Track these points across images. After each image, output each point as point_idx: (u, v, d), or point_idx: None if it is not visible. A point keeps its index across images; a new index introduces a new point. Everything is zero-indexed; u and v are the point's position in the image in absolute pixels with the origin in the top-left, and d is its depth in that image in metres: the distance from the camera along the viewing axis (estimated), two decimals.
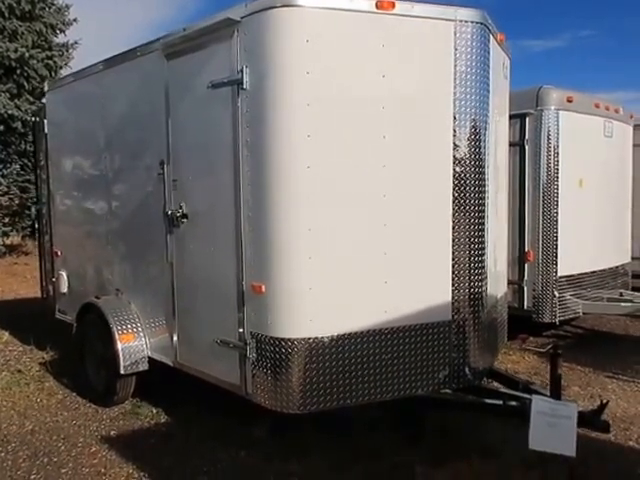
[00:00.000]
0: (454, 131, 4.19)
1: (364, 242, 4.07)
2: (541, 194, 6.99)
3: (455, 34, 4.12)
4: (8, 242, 14.68)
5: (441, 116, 4.17)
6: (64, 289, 6.56)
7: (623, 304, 7.47)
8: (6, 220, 14.49)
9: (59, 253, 6.73)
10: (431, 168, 4.19)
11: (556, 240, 7.03)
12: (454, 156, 4.20)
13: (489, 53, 4.36)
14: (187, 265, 4.78)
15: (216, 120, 4.29)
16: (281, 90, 3.87)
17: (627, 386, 6.03)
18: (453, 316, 4.31)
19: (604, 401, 4.05)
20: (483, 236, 4.40)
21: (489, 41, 4.36)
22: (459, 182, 4.23)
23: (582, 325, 8.53)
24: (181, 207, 4.69)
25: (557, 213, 7.01)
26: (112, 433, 4.94)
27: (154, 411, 5.30)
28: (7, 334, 7.89)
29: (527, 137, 6.99)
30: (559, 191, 7.00)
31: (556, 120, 6.91)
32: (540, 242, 7.06)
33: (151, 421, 5.15)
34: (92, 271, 6.12)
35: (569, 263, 7.17)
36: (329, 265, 3.99)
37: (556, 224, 7.02)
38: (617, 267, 8.13)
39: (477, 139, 4.30)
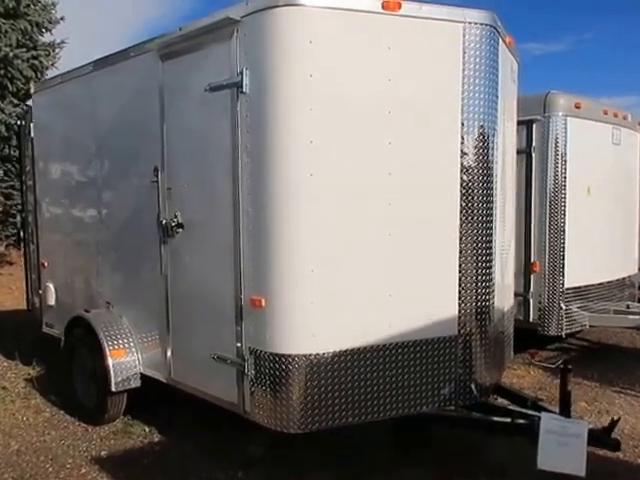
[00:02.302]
0: (462, 138, 4.01)
1: (368, 253, 3.88)
2: (548, 203, 6.80)
3: (464, 36, 3.94)
4: None
5: (448, 122, 3.99)
6: (51, 302, 6.32)
7: (630, 316, 7.26)
8: None
9: (46, 264, 6.48)
10: (438, 176, 4.01)
11: (563, 251, 6.84)
12: (462, 164, 4.02)
13: (498, 56, 4.19)
14: (182, 277, 4.57)
15: (214, 125, 4.10)
16: (282, 93, 3.68)
17: (635, 401, 5.83)
18: (459, 331, 4.12)
19: (615, 418, 3.85)
20: (491, 247, 4.22)
21: (498, 44, 4.19)
22: (467, 191, 4.04)
23: (588, 338, 8.32)
24: (176, 216, 4.49)
25: (564, 223, 6.82)
26: (103, 453, 4.71)
27: (147, 429, 5.07)
28: None
29: (534, 144, 6.80)
30: (566, 200, 6.82)
31: (564, 127, 6.73)
32: (546, 253, 6.86)
33: (144, 440, 4.93)
34: (81, 283, 5.89)
35: (576, 274, 6.97)
36: (332, 278, 3.80)
37: (563, 234, 6.83)
38: (624, 279, 7.94)
39: (485, 146, 4.12)
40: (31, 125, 6.55)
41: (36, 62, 13.86)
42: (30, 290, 7.14)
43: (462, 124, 3.99)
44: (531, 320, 6.98)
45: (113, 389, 4.93)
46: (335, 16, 3.64)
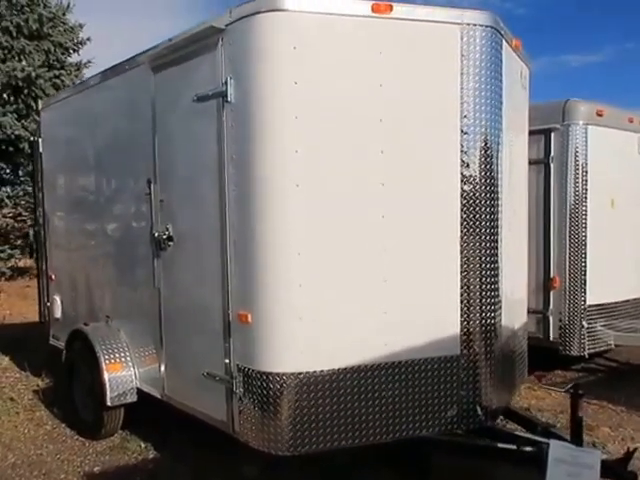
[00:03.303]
0: (462, 146, 3.79)
1: (361, 268, 3.68)
2: (568, 215, 6.49)
3: (462, 39, 3.74)
4: (21, 264, 14.57)
5: (447, 129, 3.78)
6: (58, 314, 6.30)
7: None
8: (18, 242, 14.34)
9: (53, 277, 6.48)
10: (436, 187, 3.79)
11: (584, 266, 6.51)
12: (462, 173, 3.80)
13: (501, 60, 3.97)
14: (174, 291, 4.45)
15: (201, 135, 3.99)
16: (266, 102, 3.54)
17: None
18: (462, 350, 3.88)
19: (631, 448, 3.55)
20: (496, 261, 3.97)
21: (501, 47, 3.97)
22: (468, 202, 3.82)
23: (615, 358, 7.91)
24: (167, 229, 4.38)
25: (586, 236, 6.50)
26: (96, 469, 4.60)
27: (142, 446, 4.94)
28: (7, 359, 7.66)
29: (552, 154, 6.51)
30: (588, 212, 6.50)
31: (584, 135, 6.43)
32: (567, 268, 6.53)
33: (138, 457, 4.80)
34: (84, 296, 5.84)
35: (599, 291, 6.63)
36: (322, 293, 3.61)
37: (584, 248, 6.51)
38: None
39: (488, 154, 3.90)
40: (39, 141, 6.59)
41: (58, 81, 14.22)
42: (41, 302, 7.14)
43: (462, 131, 3.78)
44: (551, 339, 6.66)
45: (108, 404, 4.82)
46: (321, 21, 3.48)
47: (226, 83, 3.67)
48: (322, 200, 3.58)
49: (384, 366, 3.72)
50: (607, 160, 6.58)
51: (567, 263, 6.53)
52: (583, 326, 6.53)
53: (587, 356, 6.68)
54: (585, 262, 6.50)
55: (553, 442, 3.49)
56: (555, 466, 3.42)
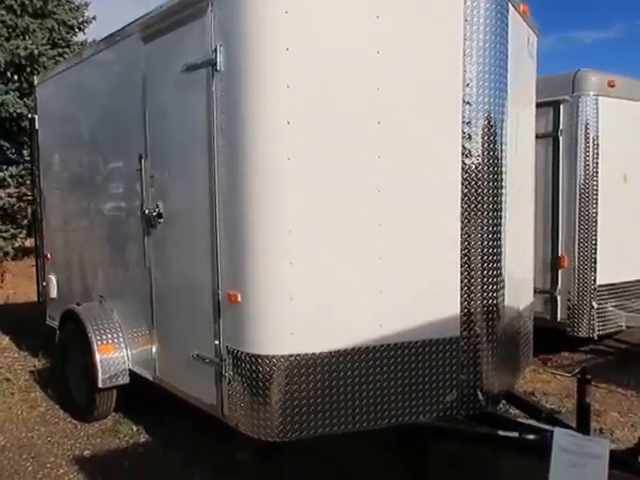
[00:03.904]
0: (463, 117, 3.57)
1: (355, 245, 3.49)
2: (578, 191, 6.23)
3: (465, 2, 3.50)
4: (27, 244, 14.50)
5: (448, 99, 3.56)
6: (53, 294, 6.18)
7: None
8: (24, 222, 14.25)
9: (49, 256, 6.35)
10: (435, 159, 3.59)
11: (595, 244, 6.27)
12: (463, 146, 3.58)
13: (507, 25, 3.73)
14: (164, 270, 4.30)
15: (191, 107, 3.78)
16: (256, 70, 3.33)
17: None
18: (462, 332, 3.69)
19: None
20: (499, 239, 3.77)
21: (507, 11, 3.73)
22: (469, 176, 3.61)
23: (626, 339, 7.69)
24: (157, 206, 4.21)
25: (596, 213, 6.25)
26: (86, 453, 4.49)
27: (134, 429, 4.83)
28: (7, 339, 7.60)
29: (561, 127, 6.23)
30: (599, 188, 6.23)
31: (595, 107, 6.14)
32: (576, 246, 6.29)
33: (130, 440, 4.69)
34: (78, 276, 5.70)
35: (610, 270, 6.39)
36: (314, 272, 3.43)
37: (595, 225, 6.26)
38: None
39: (492, 126, 3.68)
40: (35, 117, 6.42)
41: (61, 59, 14.04)
42: (39, 282, 7.03)
43: (464, 101, 3.56)
44: (559, 319, 6.44)
45: (100, 385, 4.71)
46: None
47: (215, 51, 3.47)
48: (315, 174, 3.38)
49: (379, 348, 3.55)
50: (619, 133, 6.30)
51: (576, 241, 6.29)
52: (593, 306, 6.31)
53: (596, 338, 6.46)
54: (595, 240, 6.26)
55: (557, 430, 3.29)
56: (559, 456, 3.23)
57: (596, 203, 6.22)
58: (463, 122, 3.57)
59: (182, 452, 4.38)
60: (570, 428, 3.49)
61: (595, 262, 6.27)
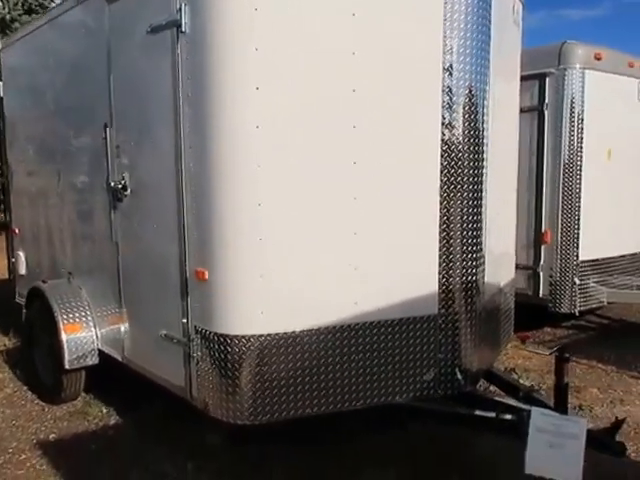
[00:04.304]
0: (444, 85, 3.39)
1: (329, 220, 3.32)
2: (562, 167, 6.11)
3: None
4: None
5: (426, 66, 3.37)
6: (22, 271, 5.96)
7: None
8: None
9: (17, 231, 6.10)
10: (413, 130, 3.40)
11: (578, 219, 6.17)
12: (443, 116, 3.41)
13: None
14: (131, 246, 4.10)
15: (155, 72, 3.57)
16: (223, 31, 3.12)
17: None
18: (440, 309, 3.56)
19: (619, 418, 3.26)
20: (480, 213, 3.62)
21: None
22: (449, 148, 3.44)
23: (608, 315, 7.66)
24: (123, 178, 4.00)
25: (580, 189, 6.14)
26: (51, 437, 4.32)
27: (104, 411, 4.67)
28: None
29: (547, 101, 6.09)
30: (583, 163, 6.12)
31: (581, 81, 6.00)
32: (559, 222, 6.20)
33: (99, 422, 4.53)
34: (46, 252, 5.47)
35: (593, 246, 6.31)
36: (285, 247, 3.26)
37: (578, 201, 6.16)
38: None
39: (473, 95, 3.50)
40: (0, 84, 6.11)
41: None
42: (9, 258, 6.79)
43: (444, 69, 3.38)
44: (541, 295, 6.37)
45: (67, 366, 4.52)
46: None
47: (180, 10, 3.25)
48: (285, 144, 3.19)
49: (354, 327, 3.40)
50: (605, 107, 6.17)
51: (559, 217, 6.19)
52: (575, 282, 6.23)
53: (578, 314, 6.39)
54: (578, 216, 6.16)
55: (534, 410, 3.19)
56: (536, 436, 3.13)
57: (579, 179, 6.11)
58: (443, 91, 3.39)
59: (153, 435, 4.24)
60: (548, 407, 3.38)
61: (578, 238, 6.18)
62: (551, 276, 6.28)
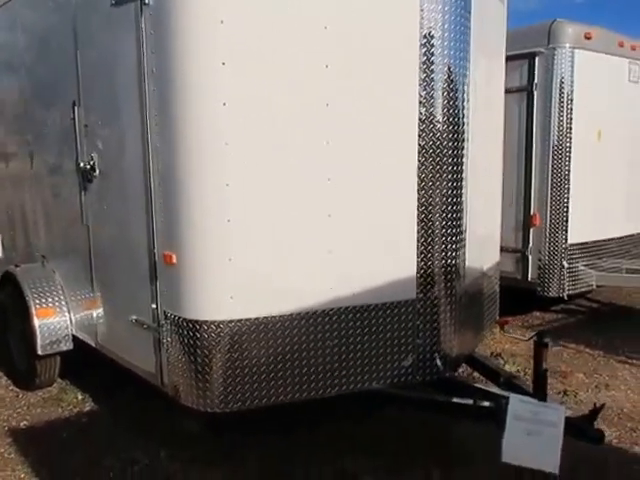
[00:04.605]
0: (420, 61, 3.25)
1: (301, 201, 3.20)
2: (551, 148, 5.98)
3: None
4: None
5: (403, 41, 3.24)
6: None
7: None
8: None
9: None
10: (389, 109, 3.27)
11: (567, 202, 6.05)
12: (420, 94, 3.28)
13: None
14: (102, 229, 3.99)
15: (121, 47, 3.42)
16: (187, 3, 2.97)
17: None
18: (418, 294, 3.45)
19: (598, 404, 3.18)
20: (460, 195, 3.51)
21: None
22: (427, 127, 3.31)
23: (598, 299, 7.58)
24: (92, 159, 3.87)
25: (569, 170, 6.01)
26: (23, 424, 4.23)
27: (80, 397, 4.58)
28: None
29: (536, 81, 5.94)
30: (572, 145, 5.98)
31: (571, 60, 5.84)
32: (548, 204, 6.07)
33: (74, 409, 4.43)
34: (21, 235, 5.33)
35: (582, 229, 6.20)
36: (255, 230, 3.14)
37: (567, 183, 6.03)
38: None
39: (452, 72, 3.37)
40: None
41: None
42: None
43: (421, 44, 3.25)
44: (529, 279, 6.27)
45: (39, 352, 4.40)
46: None
47: None
48: (254, 122, 3.05)
49: (329, 312, 3.30)
50: (595, 88, 6.03)
51: (548, 199, 6.07)
52: (563, 266, 6.13)
53: (566, 297, 6.30)
54: (567, 198, 6.04)
55: (513, 397, 3.10)
56: (514, 423, 3.03)
57: (569, 160, 5.98)
58: (420, 68, 3.26)
59: (128, 422, 4.15)
60: (528, 394, 3.29)
61: (566, 221, 6.07)
62: (540, 259, 6.17)
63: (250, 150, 3.06)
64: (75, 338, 4.49)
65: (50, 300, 4.53)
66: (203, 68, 2.99)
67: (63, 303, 4.55)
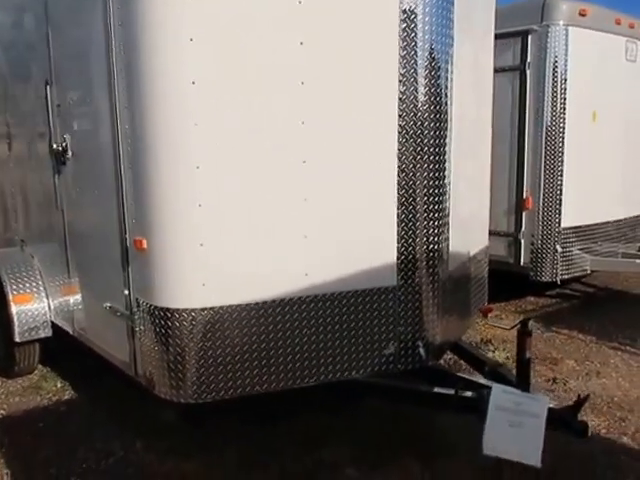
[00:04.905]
0: (400, 36, 3.10)
1: (275, 184, 3.06)
2: (544, 129, 5.83)
3: None
4: None
5: (381, 14, 3.09)
6: None
7: (639, 261, 6.34)
8: None
9: None
10: (366, 86, 3.12)
11: (560, 185, 5.91)
12: (400, 72, 3.13)
13: None
14: (76, 213, 3.89)
15: (89, 23, 3.28)
16: None
17: (634, 360, 5.02)
18: (399, 280, 3.34)
19: (582, 395, 3.07)
20: (443, 177, 3.37)
21: None
22: (407, 107, 3.17)
23: (594, 283, 7.46)
24: (64, 140, 3.74)
25: (563, 152, 5.86)
26: (0, 413, 4.15)
27: (59, 385, 4.50)
28: None
29: (529, 60, 5.77)
30: (566, 126, 5.83)
31: (565, 38, 5.67)
32: (541, 187, 5.93)
33: (53, 397, 4.35)
34: (1, 218, 5.23)
35: (576, 212, 6.07)
36: (227, 214, 3.01)
37: (561, 165, 5.88)
38: (637, 217, 7.00)
39: (434, 49, 3.23)
40: None
41: None
42: None
43: (401, 20, 3.10)
44: (522, 264, 6.15)
45: (17, 339, 4.32)
46: None
47: None
48: (225, 101, 2.91)
49: (305, 300, 3.18)
50: (590, 67, 5.87)
51: (542, 182, 5.93)
52: (556, 250, 6.00)
53: (559, 282, 6.18)
54: (561, 181, 5.90)
55: (495, 387, 3.00)
56: (495, 414, 2.94)
57: (563, 142, 5.83)
58: (400, 45, 3.11)
59: (107, 411, 4.07)
60: (512, 384, 3.18)
61: (560, 204, 5.94)
62: (532, 243, 6.05)
63: (221, 131, 2.93)
64: (54, 325, 4.40)
65: (28, 286, 4.43)
66: (170, 44, 2.84)
67: (41, 289, 4.45)
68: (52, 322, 4.40)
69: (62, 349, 4.52)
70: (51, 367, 4.78)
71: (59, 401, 4.30)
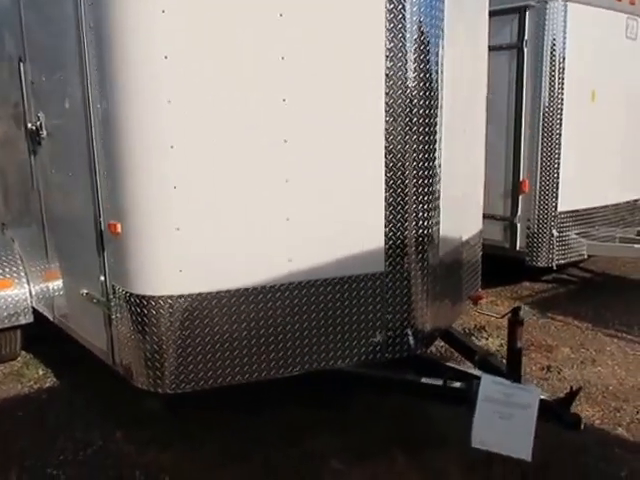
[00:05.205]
0: (387, 11, 2.94)
1: (255, 165, 2.93)
2: (541, 109, 5.65)
3: None
4: None
5: None
6: None
7: (637, 245, 6.21)
8: None
9: None
10: (351, 62, 2.97)
11: (558, 167, 5.75)
12: (386, 47, 2.97)
13: None
14: (52, 195, 3.75)
15: None
16: None
17: (629, 348, 4.89)
18: (387, 266, 3.21)
19: (575, 387, 2.95)
20: (433, 159, 3.23)
21: None
22: (395, 84, 3.02)
23: (591, 269, 7.33)
24: (39, 119, 3.59)
25: (560, 134, 5.69)
26: None
27: (41, 373, 4.38)
28: None
29: (526, 37, 5.58)
30: (564, 106, 5.65)
31: (564, 15, 5.47)
32: (538, 170, 5.76)
33: (34, 385, 4.23)
34: None
35: (573, 196, 5.91)
36: (204, 197, 2.87)
37: (558, 147, 5.72)
38: (636, 201, 6.85)
39: (423, 23, 3.07)
40: None
41: None
42: None
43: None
44: (518, 248, 6.00)
45: None
46: None
47: None
48: (200, 77, 2.77)
49: (288, 287, 3.06)
50: (589, 45, 5.68)
51: (538, 165, 5.76)
52: (553, 234, 5.86)
53: (555, 267, 6.05)
54: (558, 164, 5.73)
55: (485, 377, 2.88)
56: (484, 406, 2.83)
57: (560, 123, 5.66)
58: (386, 18, 2.95)
59: (88, 399, 3.95)
60: (501, 374, 3.06)
61: (557, 187, 5.78)
62: (529, 228, 5.90)
63: (196, 108, 2.78)
64: (35, 311, 4.28)
65: (8, 271, 4.31)
66: (142, 16, 2.69)
67: (22, 274, 4.33)
68: (33, 308, 4.28)
69: (46, 335, 4.39)
70: (34, 354, 4.66)
71: (40, 389, 4.18)
